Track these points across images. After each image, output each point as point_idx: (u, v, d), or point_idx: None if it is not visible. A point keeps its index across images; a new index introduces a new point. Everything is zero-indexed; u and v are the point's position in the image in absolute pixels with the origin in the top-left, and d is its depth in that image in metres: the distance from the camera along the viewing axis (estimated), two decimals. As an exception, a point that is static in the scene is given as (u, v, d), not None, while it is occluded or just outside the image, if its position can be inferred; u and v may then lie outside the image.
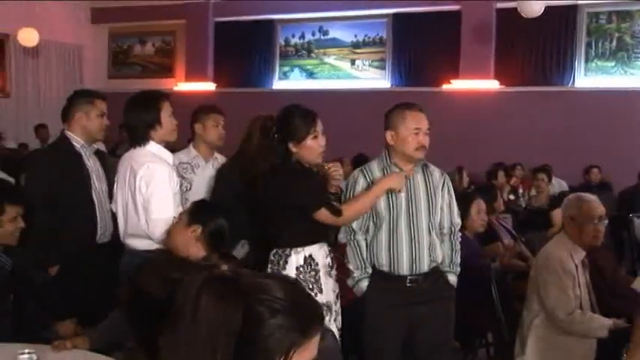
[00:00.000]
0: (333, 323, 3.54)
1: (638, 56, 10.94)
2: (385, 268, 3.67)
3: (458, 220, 3.99)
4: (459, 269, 3.88)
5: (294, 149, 3.56)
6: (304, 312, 1.55)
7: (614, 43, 11.05)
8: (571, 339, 4.06)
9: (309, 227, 3.58)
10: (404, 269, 3.66)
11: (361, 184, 3.74)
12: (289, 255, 3.55)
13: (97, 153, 4.52)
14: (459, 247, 3.93)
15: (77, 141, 4.34)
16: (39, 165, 4.56)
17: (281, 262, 3.55)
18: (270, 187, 3.58)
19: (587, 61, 11.21)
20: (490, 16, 11.28)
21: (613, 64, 11.08)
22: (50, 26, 12.44)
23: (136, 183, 3.75)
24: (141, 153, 3.85)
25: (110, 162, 4.87)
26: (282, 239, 3.59)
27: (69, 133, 4.37)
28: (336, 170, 3.93)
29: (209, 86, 13.18)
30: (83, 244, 4.25)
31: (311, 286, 3.51)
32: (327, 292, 3.58)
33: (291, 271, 3.51)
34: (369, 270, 3.69)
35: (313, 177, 3.61)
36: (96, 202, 4.34)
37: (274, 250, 3.60)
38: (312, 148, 3.58)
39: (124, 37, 14.32)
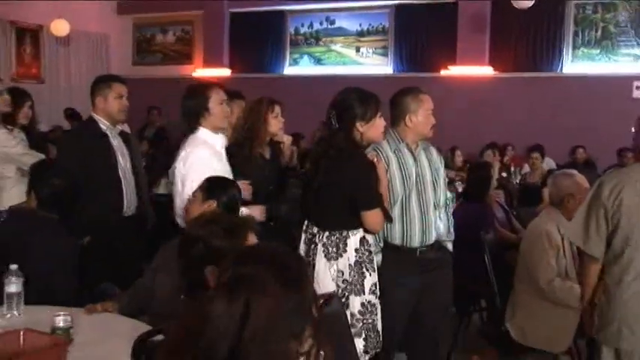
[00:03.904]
0: (377, 300, 3.46)
1: (621, 44, 10.86)
2: (397, 242, 3.62)
3: (449, 195, 4.01)
4: (453, 237, 3.88)
5: (361, 129, 3.42)
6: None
7: (600, 32, 10.97)
8: (554, 307, 4.07)
9: None
10: (415, 242, 3.63)
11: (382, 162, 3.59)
12: (348, 237, 3.42)
13: (121, 134, 4.53)
14: (451, 217, 3.92)
15: (103, 123, 4.35)
16: (68, 144, 4.57)
17: (340, 245, 3.40)
18: (334, 171, 3.40)
19: (574, 48, 11.14)
20: (485, 7, 11.22)
21: (598, 51, 11.01)
22: (80, 18, 12.44)
23: (180, 165, 3.78)
24: (191, 138, 3.86)
25: (135, 142, 4.88)
26: (340, 222, 3.44)
27: (95, 116, 4.38)
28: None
29: (225, 72, 13.14)
30: (111, 217, 4.27)
31: (366, 267, 3.42)
32: (376, 271, 3.49)
33: (350, 252, 3.40)
34: (382, 244, 3.63)
35: (376, 174, 3.44)
36: (122, 178, 4.35)
37: (327, 232, 3.44)
38: (380, 126, 3.50)
39: (146, 27, 14.28)
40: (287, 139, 4.37)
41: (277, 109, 4.32)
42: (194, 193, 3.50)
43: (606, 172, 5.79)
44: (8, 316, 2.95)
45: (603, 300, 2.97)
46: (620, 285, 2.87)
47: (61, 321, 2.68)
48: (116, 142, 4.40)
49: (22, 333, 2.56)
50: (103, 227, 4.16)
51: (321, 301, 2.74)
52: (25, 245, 3.40)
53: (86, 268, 3.72)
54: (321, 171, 3.44)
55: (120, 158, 4.38)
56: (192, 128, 3.86)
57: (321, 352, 1.67)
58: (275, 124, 4.28)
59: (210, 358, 1.44)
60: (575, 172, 4.42)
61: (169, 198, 5.77)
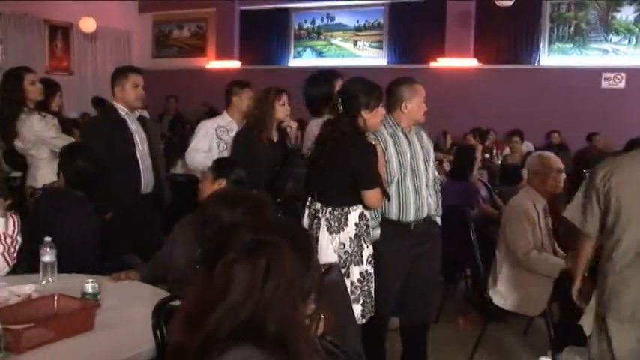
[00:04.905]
0: (372, 269, 3.44)
1: (591, 40, 10.84)
2: (394, 217, 3.58)
3: (437, 174, 3.98)
4: (441, 212, 3.85)
5: (366, 117, 3.37)
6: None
7: (572, 29, 10.96)
8: (530, 276, 4.08)
9: None
10: (410, 217, 3.58)
11: (380, 145, 3.52)
12: (349, 212, 3.38)
13: (140, 119, 4.49)
14: (440, 194, 3.89)
15: (122, 109, 4.31)
16: (91, 129, 4.54)
17: (342, 219, 3.36)
18: (338, 153, 3.36)
19: (550, 43, 11.12)
20: (470, 5, 11.14)
21: (571, 46, 11.00)
22: (105, 16, 12.44)
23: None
24: (314, 122, 3.83)
25: (152, 126, 4.84)
26: (342, 199, 3.39)
27: (115, 103, 4.35)
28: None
29: (235, 64, 13.09)
30: (130, 195, 4.24)
31: (364, 240, 3.39)
32: (372, 243, 3.46)
33: (351, 226, 3.37)
34: (379, 219, 3.58)
35: (376, 157, 3.37)
36: (139, 159, 4.31)
37: (330, 208, 3.40)
38: (381, 115, 3.45)
39: (165, 24, 14.20)
40: (293, 124, 4.34)
41: (284, 97, 4.30)
42: (205, 173, 3.49)
43: (601, 159, 5.82)
44: (44, 282, 2.97)
45: (599, 272, 2.96)
46: (611, 260, 2.86)
47: (90, 287, 2.69)
48: (134, 127, 4.35)
49: (56, 297, 2.58)
50: (123, 204, 4.13)
51: (323, 270, 2.73)
52: (55, 220, 3.41)
53: (109, 241, 3.72)
54: (326, 152, 3.41)
55: (138, 141, 4.33)
56: (313, 113, 3.81)
57: (322, 316, 1.67)
58: (281, 110, 4.26)
59: (234, 317, 1.43)
60: (548, 153, 4.43)
61: (185, 177, 5.79)
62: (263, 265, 1.43)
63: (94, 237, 3.51)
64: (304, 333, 1.49)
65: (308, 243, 1.62)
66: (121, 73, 4.36)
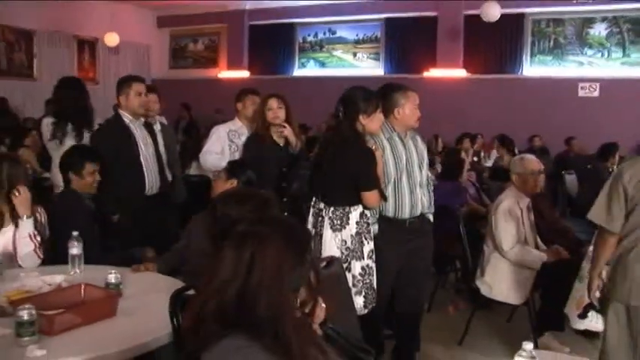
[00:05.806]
0: (374, 264, 3.42)
1: (568, 53, 10.86)
2: (390, 215, 3.54)
3: (430, 175, 3.96)
4: (433, 209, 3.83)
5: (364, 122, 3.34)
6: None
7: (552, 42, 10.98)
8: (515, 268, 4.07)
9: None
10: (405, 214, 3.55)
11: (379, 150, 3.48)
12: (350, 212, 3.35)
13: (146, 125, 4.37)
14: (432, 194, 3.87)
15: (126, 116, 4.20)
16: (98, 135, 4.45)
17: (344, 218, 3.35)
18: (339, 156, 3.33)
19: (531, 55, 11.12)
20: (460, 20, 11.15)
21: (550, 58, 11.01)
22: (127, 31, 12.51)
23: None
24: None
25: (165, 131, 4.78)
26: (343, 199, 3.36)
27: (120, 111, 4.24)
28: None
29: (244, 74, 13.08)
30: (135, 196, 4.14)
31: (365, 237, 3.37)
32: (372, 240, 3.44)
33: (352, 225, 3.34)
34: (377, 216, 3.54)
35: (374, 160, 3.35)
36: (143, 163, 4.20)
37: (333, 208, 3.37)
38: (379, 120, 3.41)
39: (181, 38, 14.21)
40: (288, 131, 4.28)
41: (270, 102, 4.23)
42: (219, 172, 3.48)
43: (622, 160, 5.75)
44: (72, 273, 2.97)
45: (619, 264, 2.87)
46: (632, 252, 2.78)
47: (112, 278, 2.70)
48: (138, 132, 4.24)
49: (82, 287, 2.60)
50: (128, 206, 4.04)
51: (324, 263, 2.72)
52: (62, 216, 3.41)
53: (118, 238, 3.70)
54: (328, 156, 3.38)
55: (142, 146, 4.21)
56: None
57: (323, 305, 1.66)
58: (269, 114, 4.23)
59: (221, 297, 1.44)
60: (529, 156, 4.43)
61: (198, 178, 5.77)
62: (249, 252, 1.45)
63: (92, 231, 3.46)
64: (294, 320, 1.48)
65: (304, 240, 1.60)
66: (124, 83, 4.26)
